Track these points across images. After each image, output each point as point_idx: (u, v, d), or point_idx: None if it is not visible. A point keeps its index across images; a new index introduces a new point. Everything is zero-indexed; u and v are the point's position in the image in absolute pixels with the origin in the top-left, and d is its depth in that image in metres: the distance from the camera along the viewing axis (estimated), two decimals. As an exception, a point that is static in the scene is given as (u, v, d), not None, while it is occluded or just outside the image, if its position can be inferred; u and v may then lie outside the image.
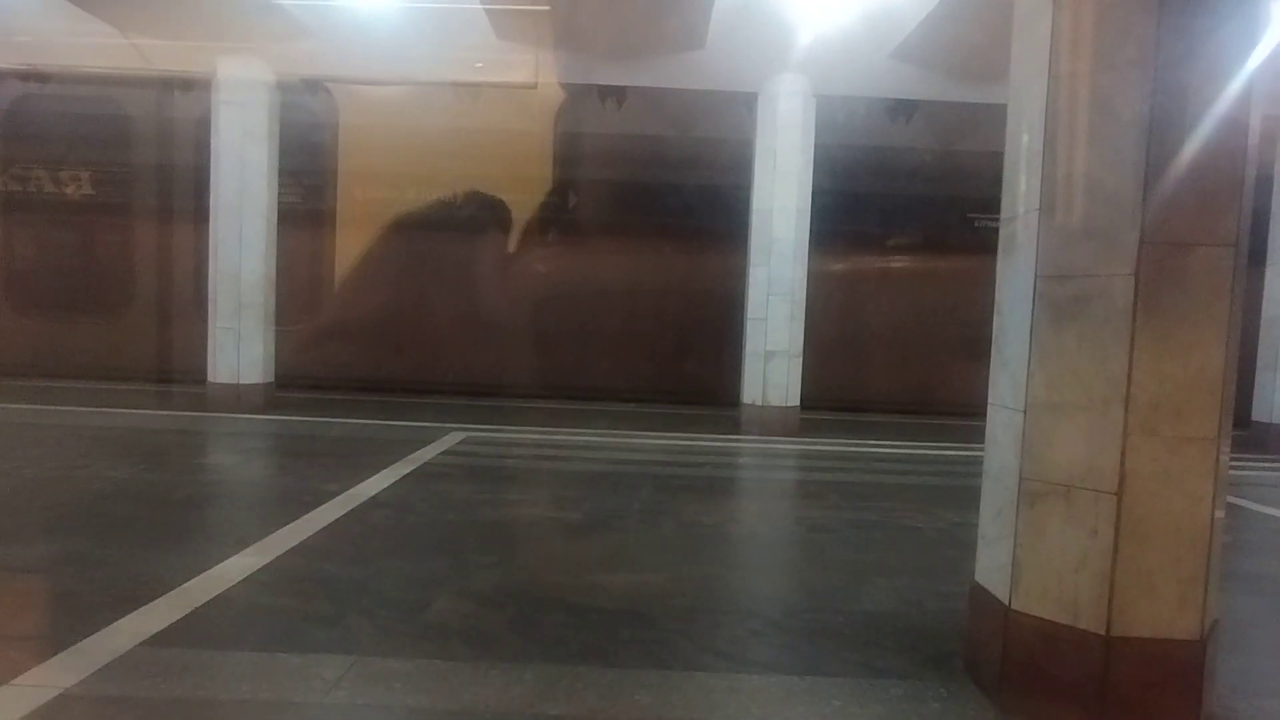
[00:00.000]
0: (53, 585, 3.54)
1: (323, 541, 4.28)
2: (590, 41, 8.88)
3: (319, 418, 8.98)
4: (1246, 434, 9.29)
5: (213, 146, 9.15)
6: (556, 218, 12.04)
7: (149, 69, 9.29)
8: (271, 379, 9.59)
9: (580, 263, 11.96)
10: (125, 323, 11.77)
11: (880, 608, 3.65)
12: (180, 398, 9.66)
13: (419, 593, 3.57)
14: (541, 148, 11.49)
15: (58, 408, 8.85)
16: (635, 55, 9.02)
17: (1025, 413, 2.66)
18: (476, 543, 4.47)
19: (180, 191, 10.74)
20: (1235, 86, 2.40)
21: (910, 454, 8.10)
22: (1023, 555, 2.66)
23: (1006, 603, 2.69)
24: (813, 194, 9.13)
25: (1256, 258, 9.31)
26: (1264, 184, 9.51)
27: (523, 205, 11.91)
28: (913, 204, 12.00)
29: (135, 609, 3.19)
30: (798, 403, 9.21)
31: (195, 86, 9.63)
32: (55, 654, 2.78)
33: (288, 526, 4.46)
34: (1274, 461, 8.49)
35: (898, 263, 12.39)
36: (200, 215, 9.60)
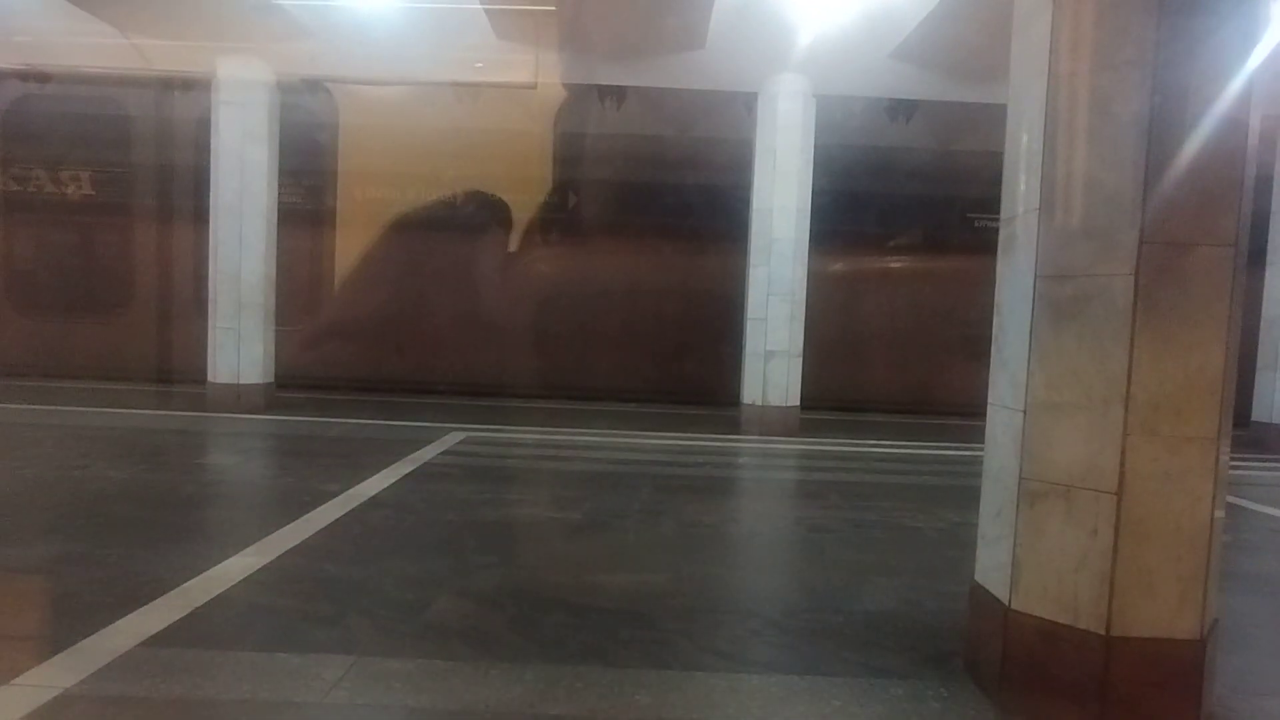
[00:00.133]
0: (53, 585, 3.54)
1: (323, 541, 4.28)
2: (590, 41, 8.88)
3: (319, 418, 8.99)
4: (1246, 434, 9.30)
5: (213, 147, 9.15)
6: (556, 218, 12.04)
7: (149, 69, 9.29)
8: (272, 379, 9.59)
9: (580, 262, 11.96)
10: (125, 323, 11.78)
11: (880, 607, 3.65)
12: (180, 398, 9.66)
13: (419, 593, 3.57)
14: (541, 148, 11.50)
15: (58, 408, 8.85)
16: (635, 55, 9.02)
17: (1025, 413, 2.66)
18: (476, 543, 4.47)
19: (180, 191, 10.75)
20: (1235, 86, 2.40)
21: (910, 454, 8.10)
22: (1022, 555, 2.66)
23: (1006, 602, 2.70)
24: (812, 194, 9.13)
25: (1256, 257, 9.32)
26: (1264, 184, 9.51)
27: (522, 205, 11.91)
28: (912, 204, 12.00)
29: (135, 609, 3.19)
30: (798, 402, 9.21)
31: (195, 86, 9.64)
32: (55, 654, 2.78)
33: (288, 526, 4.46)
34: (1274, 461, 8.48)
35: (898, 262, 12.39)
36: (200, 215, 9.60)
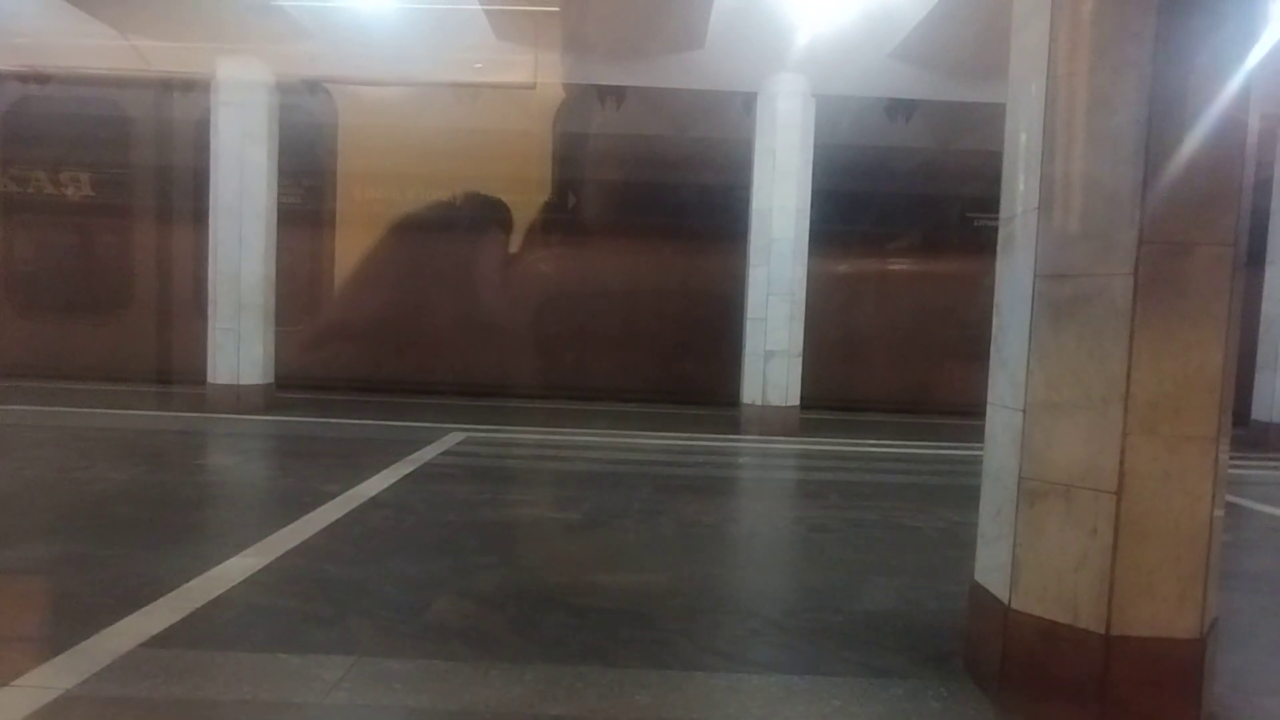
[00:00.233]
0: (54, 586, 3.55)
1: (323, 542, 4.28)
2: (589, 42, 8.88)
3: (319, 418, 8.99)
4: (1246, 433, 9.30)
5: (212, 148, 9.15)
6: (556, 218, 12.05)
7: (148, 70, 9.29)
8: (271, 380, 9.59)
9: (580, 263, 11.97)
10: (125, 324, 11.78)
11: (880, 607, 3.65)
12: (180, 399, 9.66)
13: (419, 593, 3.57)
14: (541, 148, 11.50)
15: (58, 409, 8.85)
16: (634, 55, 9.02)
17: (1024, 412, 2.67)
18: (476, 543, 4.47)
19: (180, 193, 10.76)
20: (1234, 86, 2.40)
21: (910, 453, 8.11)
22: (1022, 554, 2.66)
23: (1006, 602, 2.70)
24: (812, 193, 9.13)
25: (1255, 257, 9.32)
26: (1263, 183, 9.52)
27: (522, 206, 11.92)
28: (912, 203, 12.01)
29: (136, 610, 3.19)
30: (797, 402, 9.21)
31: (195, 88, 9.63)
32: (56, 655, 2.78)
33: (288, 527, 4.46)
34: (1273, 460, 8.49)
35: (897, 262, 12.40)
36: (200, 216, 9.60)
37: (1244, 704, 2.81)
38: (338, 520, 4.69)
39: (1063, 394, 2.57)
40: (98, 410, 8.78)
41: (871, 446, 8.36)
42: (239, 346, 9.22)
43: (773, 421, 9.04)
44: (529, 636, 3.13)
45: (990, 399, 2.93)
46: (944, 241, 12.10)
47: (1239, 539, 5.10)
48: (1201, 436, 2.45)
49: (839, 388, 11.11)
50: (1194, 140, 2.40)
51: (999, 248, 2.92)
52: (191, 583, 3.53)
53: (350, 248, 11.89)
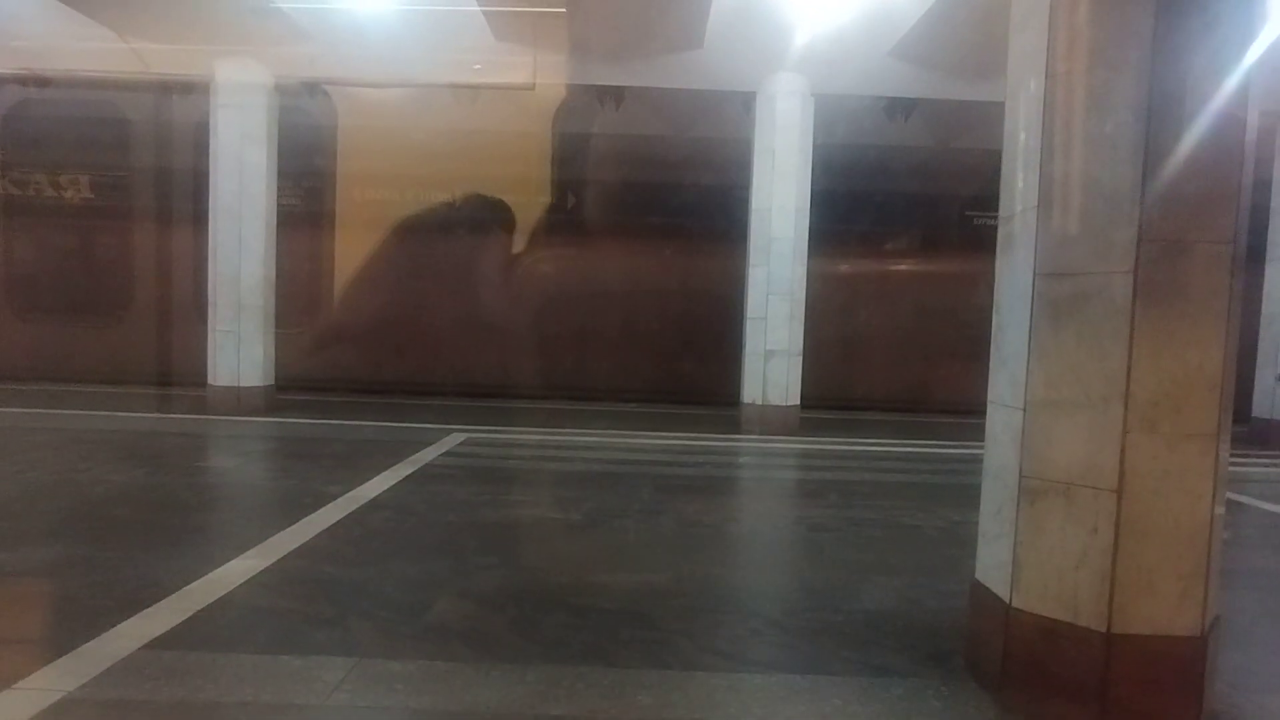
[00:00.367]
0: (55, 589, 3.55)
1: (324, 544, 4.28)
2: (588, 42, 8.88)
3: (319, 420, 8.99)
4: (1246, 430, 9.30)
5: (211, 149, 9.16)
6: (555, 218, 12.04)
7: (148, 73, 9.29)
8: (272, 381, 9.59)
9: (580, 263, 11.96)
10: (125, 326, 11.79)
11: (881, 606, 3.65)
12: (180, 401, 9.66)
13: (420, 594, 3.57)
14: (540, 149, 11.51)
15: (58, 411, 8.86)
16: (633, 56, 9.03)
17: (1025, 411, 2.67)
18: (477, 544, 4.47)
19: (179, 195, 10.75)
20: (1233, 83, 2.40)
21: (910, 452, 8.11)
22: (1023, 553, 2.66)
23: (1007, 600, 2.70)
24: (811, 193, 9.13)
25: (1255, 255, 9.32)
26: (1262, 181, 9.51)
27: (522, 206, 11.92)
28: (912, 202, 12.00)
29: (137, 612, 3.20)
30: (798, 402, 9.21)
31: (194, 90, 9.64)
32: (58, 657, 2.78)
33: (289, 529, 4.46)
34: (1274, 458, 8.48)
35: (897, 261, 12.40)
36: (199, 218, 9.60)
37: (1246, 702, 2.81)
38: (339, 522, 4.69)
39: (1063, 392, 2.57)
40: (98, 413, 8.78)
41: (872, 446, 8.36)
42: (239, 348, 9.22)
43: (773, 421, 9.04)
44: (530, 637, 3.14)
45: (990, 398, 2.93)
46: (943, 240, 12.09)
47: (1240, 536, 5.10)
48: (1202, 434, 2.46)
49: (839, 387, 11.11)
50: (1193, 139, 2.40)
51: (998, 246, 2.92)
52: (193, 585, 3.53)
53: (350, 249, 11.89)
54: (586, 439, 8.20)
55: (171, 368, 10.77)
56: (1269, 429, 9.40)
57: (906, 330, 11.82)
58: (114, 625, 3.06)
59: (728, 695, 2.72)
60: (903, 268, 12.36)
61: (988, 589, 2.83)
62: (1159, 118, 2.40)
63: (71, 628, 3.01)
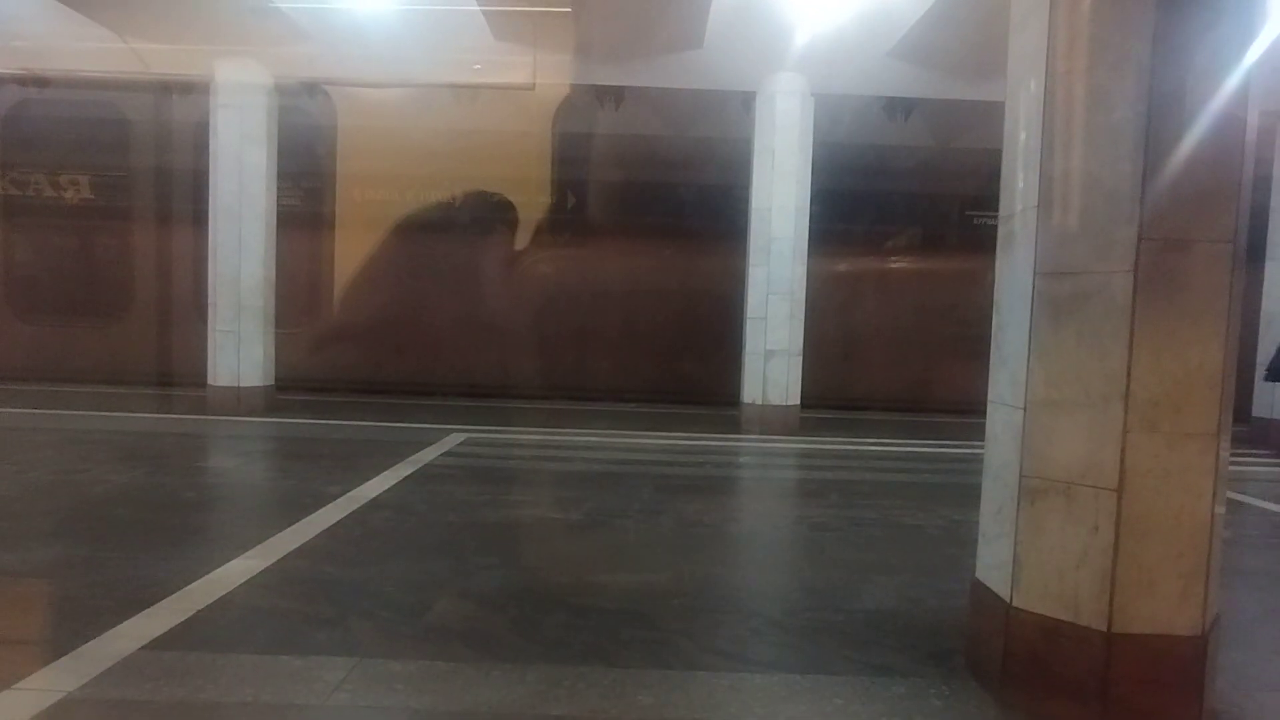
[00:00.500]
0: (55, 589, 3.55)
1: (324, 544, 4.28)
2: (588, 42, 8.88)
3: (319, 420, 8.98)
4: (1247, 429, 9.30)
5: (211, 150, 9.15)
6: (555, 218, 12.04)
7: (147, 73, 9.29)
8: (272, 381, 9.59)
9: (580, 263, 11.96)
10: (125, 327, 11.78)
11: (881, 606, 3.65)
12: (180, 401, 9.66)
13: (420, 594, 3.57)
14: (540, 149, 11.50)
15: (58, 412, 8.86)
16: (633, 55, 9.02)
17: (1025, 410, 2.67)
18: (477, 544, 4.47)
19: (179, 195, 10.75)
20: (1233, 82, 2.40)
21: (911, 452, 8.11)
22: (1023, 552, 2.66)
23: (1007, 600, 2.70)
24: (811, 193, 9.13)
25: (1255, 253, 9.32)
26: (1262, 180, 9.51)
27: (521, 206, 11.91)
28: (912, 201, 12.01)
29: (137, 612, 3.19)
30: (798, 401, 9.21)
31: (193, 90, 9.64)
32: (58, 658, 2.78)
33: (289, 529, 4.46)
34: (1274, 457, 8.48)
35: (897, 260, 12.39)
36: (199, 218, 9.60)
37: (1246, 701, 2.81)
38: (339, 522, 4.69)
39: (1063, 391, 2.57)
40: (98, 413, 8.78)
41: (872, 445, 8.36)
42: (239, 348, 9.22)
43: (773, 421, 9.04)
44: (530, 637, 3.14)
45: (991, 397, 2.93)
46: (944, 240, 12.09)
47: (1240, 535, 5.10)
48: (1202, 433, 2.45)
49: (839, 387, 11.10)
50: (1193, 137, 2.40)
51: (998, 246, 2.92)
52: (193, 585, 3.53)
53: (350, 249, 11.88)
54: (586, 439, 8.20)
55: (171, 368, 10.77)
56: (1269, 428, 9.39)
57: (907, 330, 11.81)
58: (114, 625, 3.06)
59: (729, 695, 2.71)
60: (903, 267, 12.36)
61: (988, 588, 2.83)
62: (1159, 116, 2.40)
63: (72, 628, 3.01)
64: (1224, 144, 2.42)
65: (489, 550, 4.35)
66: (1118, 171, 2.45)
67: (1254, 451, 8.55)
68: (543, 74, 9.11)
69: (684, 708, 2.62)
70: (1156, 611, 2.48)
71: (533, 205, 11.92)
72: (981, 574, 2.91)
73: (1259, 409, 9.65)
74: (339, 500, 5.17)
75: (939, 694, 2.76)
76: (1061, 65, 2.56)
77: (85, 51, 8.93)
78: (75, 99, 10.84)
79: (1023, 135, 2.74)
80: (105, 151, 11.64)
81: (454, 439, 7.82)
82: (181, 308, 11.05)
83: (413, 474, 6.14)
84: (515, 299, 11.76)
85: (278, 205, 9.58)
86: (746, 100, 9.31)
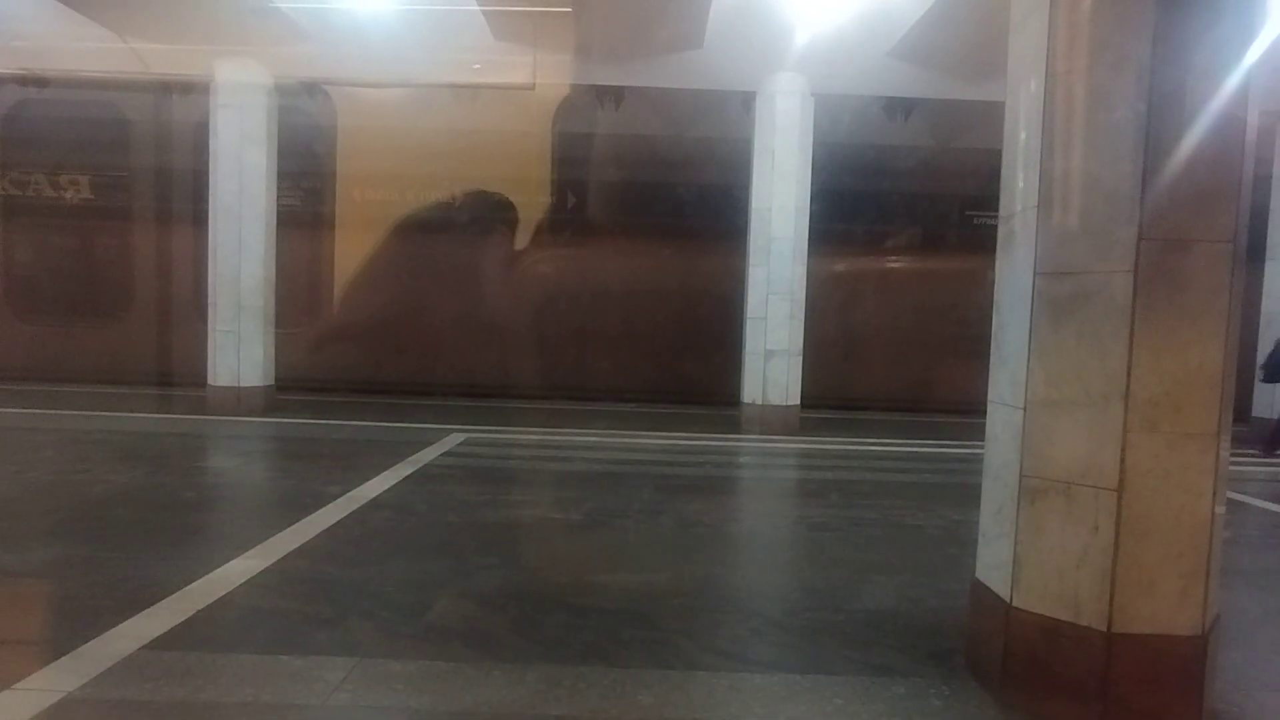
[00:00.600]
0: (55, 589, 3.55)
1: (324, 544, 4.28)
2: (588, 42, 8.88)
3: (319, 420, 8.98)
4: (1247, 429, 9.29)
5: (211, 150, 9.15)
6: (555, 218, 12.05)
7: (147, 73, 9.29)
8: (272, 381, 9.59)
9: (580, 263, 11.96)
10: (125, 327, 11.78)
11: (881, 606, 3.65)
12: (180, 401, 9.66)
13: (420, 594, 3.57)
14: (540, 149, 11.50)
15: (58, 412, 8.85)
16: (633, 55, 9.03)
17: (1025, 410, 2.67)
18: (477, 544, 4.47)
19: (179, 195, 10.76)
20: (1233, 82, 2.40)
21: (911, 452, 8.10)
22: (1023, 552, 2.66)
23: (1007, 600, 2.70)
24: (811, 192, 9.13)
25: (1255, 253, 9.32)
26: (1262, 180, 9.51)
27: (521, 206, 11.92)
28: (911, 201, 12.01)
29: (137, 612, 3.20)
30: (798, 401, 9.21)
31: (193, 90, 9.64)
32: (58, 658, 2.78)
33: (289, 529, 4.46)
34: (1274, 456, 8.47)
35: (897, 260, 12.39)
36: (199, 218, 9.60)
37: (1246, 700, 2.81)
38: (339, 522, 4.69)
39: (1063, 391, 2.57)
40: (98, 413, 8.78)
41: (872, 445, 8.36)
42: (239, 348, 9.22)
43: (773, 421, 9.04)
44: (530, 637, 3.14)
45: (991, 397, 2.93)
46: (944, 240, 12.10)
47: (1240, 535, 5.10)
48: (1202, 433, 2.45)
49: (839, 387, 11.10)
50: (1193, 137, 2.40)
51: (999, 245, 2.92)
52: (193, 585, 3.53)
53: (350, 249, 11.88)
54: (586, 439, 8.20)
55: (171, 368, 10.77)
56: (1269, 428, 9.38)
57: (907, 330, 11.81)
58: (114, 625, 3.06)
59: (729, 695, 2.71)
60: (903, 267, 12.36)
61: (988, 588, 2.83)
62: (1159, 116, 2.40)
63: (72, 628, 3.01)
64: (1224, 144, 2.42)
65: (489, 550, 4.35)
66: (1118, 171, 2.45)
67: (1254, 451, 8.54)
68: (543, 74, 9.11)
69: (684, 708, 2.62)
70: (1156, 611, 2.48)
71: (533, 205, 11.92)
72: (981, 574, 2.91)
73: (1259, 409, 9.65)
74: (339, 500, 5.17)
75: (939, 694, 2.76)
76: (1061, 65, 2.56)
77: (85, 51, 8.93)
78: (75, 99, 10.84)
79: (1023, 135, 2.74)
80: (105, 151, 11.64)
81: (454, 439, 7.82)
82: (181, 308, 11.05)
83: (413, 474, 6.14)
84: (515, 299, 11.76)
85: (278, 205, 9.58)
86: (746, 100, 9.31)
